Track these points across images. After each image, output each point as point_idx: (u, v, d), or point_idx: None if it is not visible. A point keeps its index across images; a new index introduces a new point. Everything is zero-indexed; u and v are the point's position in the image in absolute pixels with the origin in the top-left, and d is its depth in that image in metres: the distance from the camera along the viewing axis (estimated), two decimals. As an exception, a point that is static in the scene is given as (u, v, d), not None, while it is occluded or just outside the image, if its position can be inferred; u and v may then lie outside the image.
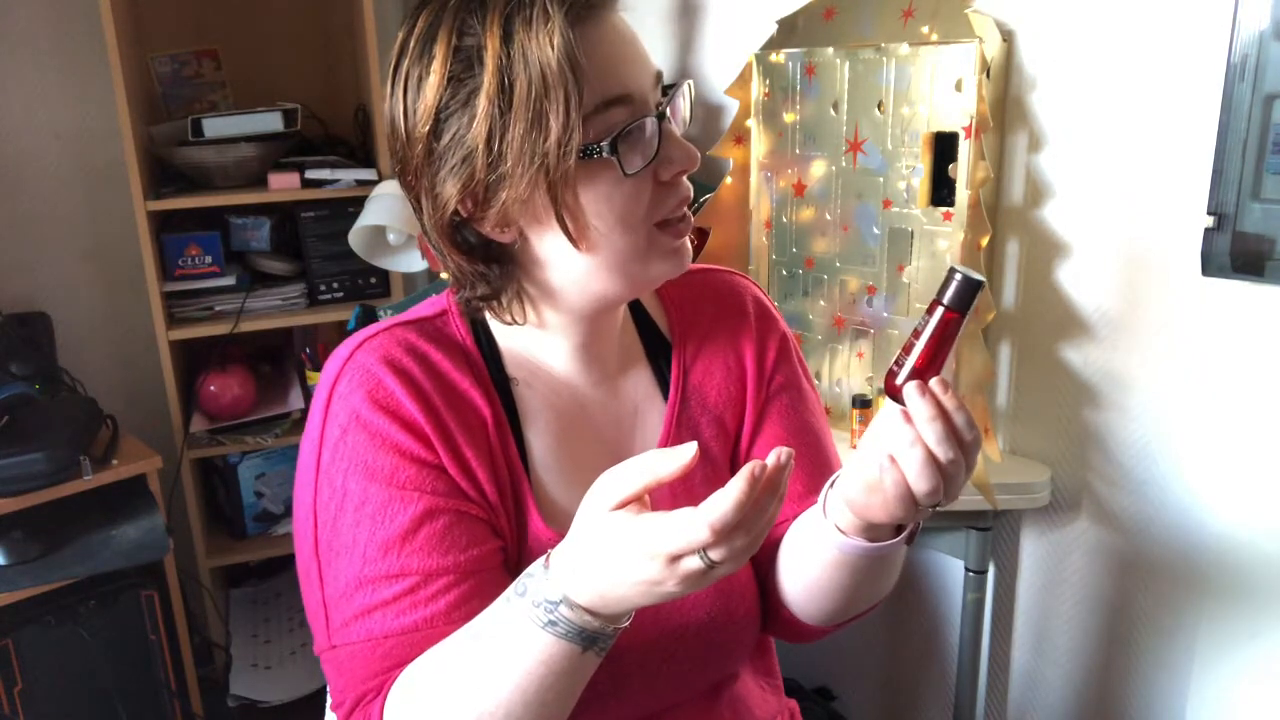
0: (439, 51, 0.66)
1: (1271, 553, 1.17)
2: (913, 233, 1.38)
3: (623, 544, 0.57)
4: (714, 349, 0.86)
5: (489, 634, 0.64)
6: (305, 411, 2.21)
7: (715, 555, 0.55)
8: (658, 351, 0.86)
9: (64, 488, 1.72)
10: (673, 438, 0.83)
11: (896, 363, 0.64)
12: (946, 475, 0.61)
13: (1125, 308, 1.27)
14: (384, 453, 0.71)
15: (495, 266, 0.74)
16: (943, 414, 0.61)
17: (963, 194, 1.30)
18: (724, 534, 0.54)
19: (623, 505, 0.59)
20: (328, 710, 0.93)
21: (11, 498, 1.67)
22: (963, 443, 0.62)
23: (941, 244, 1.34)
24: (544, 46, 0.64)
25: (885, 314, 1.44)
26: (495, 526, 0.75)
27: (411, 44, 0.69)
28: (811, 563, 0.76)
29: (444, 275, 1.63)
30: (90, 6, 1.86)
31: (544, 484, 0.79)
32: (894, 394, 0.64)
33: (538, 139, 0.65)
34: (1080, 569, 1.40)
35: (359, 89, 2.24)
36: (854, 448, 1.45)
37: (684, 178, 0.72)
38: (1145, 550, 1.31)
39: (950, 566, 1.58)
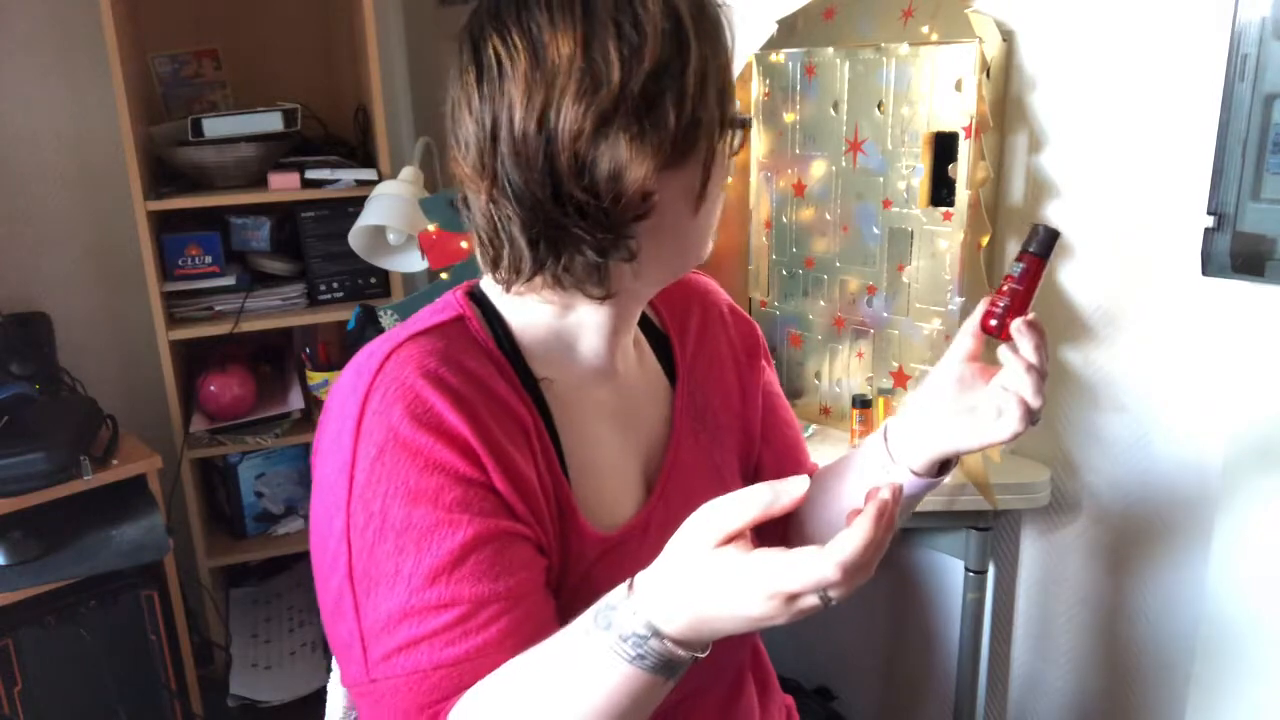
0: (650, 6, 0.68)
1: (1272, 552, 1.17)
2: (913, 233, 1.38)
3: (737, 581, 0.56)
4: (707, 343, 0.92)
5: (566, 665, 0.61)
6: (306, 412, 2.22)
7: (835, 594, 0.55)
8: (657, 343, 0.89)
9: (64, 488, 1.72)
10: (684, 426, 0.86)
11: (993, 304, 0.78)
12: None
13: (1125, 308, 1.27)
14: (427, 473, 0.67)
15: (604, 234, 0.70)
16: (1044, 342, 0.75)
17: (963, 194, 1.30)
18: (852, 573, 0.54)
19: (728, 540, 0.57)
20: (328, 712, 0.93)
21: (11, 498, 1.67)
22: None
23: (941, 244, 1.34)
24: (723, 31, 0.74)
25: (885, 314, 1.44)
26: (540, 543, 0.72)
27: None
28: None
29: (444, 275, 1.63)
30: (90, 6, 1.86)
31: (578, 481, 0.77)
32: (994, 332, 0.78)
33: (725, 106, 0.72)
34: (1080, 569, 1.40)
35: (359, 89, 2.24)
36: (855, 446, 1.45)
37: None
38: (1145, 550, 1.31)
39: (950, 566, 1.58)
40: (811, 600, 0.55)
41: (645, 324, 0.89)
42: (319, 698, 0.94)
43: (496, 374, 0.73)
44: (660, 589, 0.58)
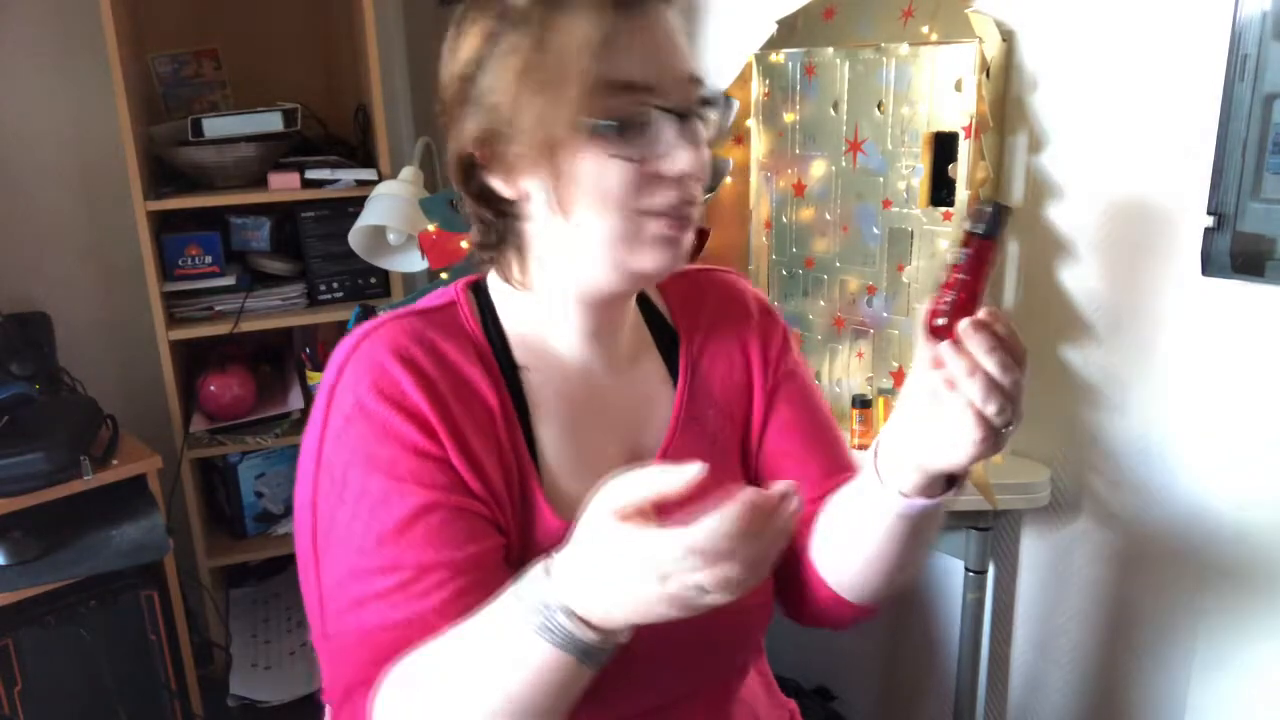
0: (491, 7, 0.70)
1: (1272, 553, 1.17)
2: (913, 233, 1.38)
3: (621, 556, 0.56)
4: (718, 342, 0.89)
5: (483, 635, 0.63)
6: (305, 411, 2.22)
7: (703, 581, 0.54)
8: (664, 341, 0.88)
9: (64, 488, 1.72)
10: (681, 427, 0.85)
11: (940, 300, 0.66)
12: (1011, 396, 0.63)
13: (1125, 308, 1.27)
14: (385, 443, 0.71)
15: (500, 219, 0.76)
16: (999, 343, 0.63)
17: (963, 194, 1.30)
18: (710, 559, 0.53)
19: (629, 515, 0.57)
20: (327, 708, 0.93)
21: (11, 498, 1.66)
22: (1021, 362, 0.64)
23: (941, 244, 1.34)
24: (580, 21, 0.67)
25: (885, 314, 1.44)
26: (498, 523, 0.74)
27: None
28: (868, 536, 0.76)
29: (444, 275, 1.63)
30: (90, 6, 1.86)
31: (553, 473, 0.78)
32: (940, 334, 0.65)
33: (552, 104, 0.67)
34: (1080, 568, 1.40)
35: (359, 89, 2.24)
36: (856, 448, 1.45)
37: (690, 181, 0.72)
38: (1145, 550, 1.31)
39: (950, 566, 1.58)
40: (681, 583, 0.54)
41: (658, 321, 0.89)
42: (319, 698, 0.94)
43: (475, 359, 0.76)
44: (571, 563, 0.59)
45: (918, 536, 0.75)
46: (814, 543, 0.84)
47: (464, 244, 1.56)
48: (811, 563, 0.84)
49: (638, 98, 0.69)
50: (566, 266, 0.75)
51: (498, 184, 0.74)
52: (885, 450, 0.73)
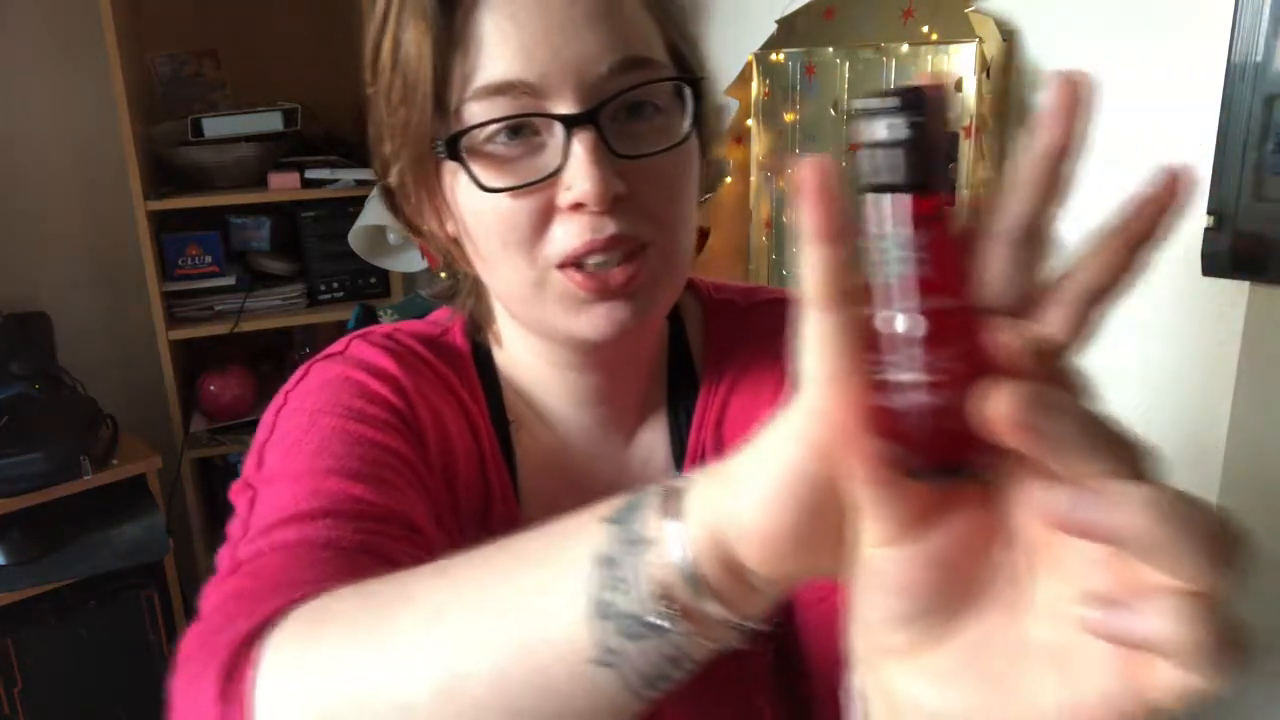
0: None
1: (1272, 554, 1.17)
2: (913, 233, 1.38)
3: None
4: (745, 393, 0.67)
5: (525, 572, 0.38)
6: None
7: None
8: (687, 394, 0.67)
9: (64, 488, 1.72)
10: None
11: (880, 377, 0.29)
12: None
13: (1125, 308, 1.27)
14: (369, 405, 0.58)
15: (449, 265, 0.63)
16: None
17: (963, 194, 1.30)
18: None
19: None
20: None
21: (11, 498, 1.67)
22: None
23: (941, 244, 1.35)
24: (418, 9, 0.52)
25: (885, 314, 1.45)
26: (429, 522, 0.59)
27: None
28: None
29: (443, 275, 1.63)
30: (90, 6, 1.86)
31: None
32: (934, 460, 0.29)
33: (402, 123, 0.55)
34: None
35: (359, 89, 2.24)
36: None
37: (605, 215, 0.51)
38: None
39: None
40: None
41: (683, 365, 0.69)
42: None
43: (467, 389, 0.64)
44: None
45: None
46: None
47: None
48: None
49: (499, 103, 0.51)
50: (518, 317, 0.60)
51: (427, 219, 0.59)
52: None
